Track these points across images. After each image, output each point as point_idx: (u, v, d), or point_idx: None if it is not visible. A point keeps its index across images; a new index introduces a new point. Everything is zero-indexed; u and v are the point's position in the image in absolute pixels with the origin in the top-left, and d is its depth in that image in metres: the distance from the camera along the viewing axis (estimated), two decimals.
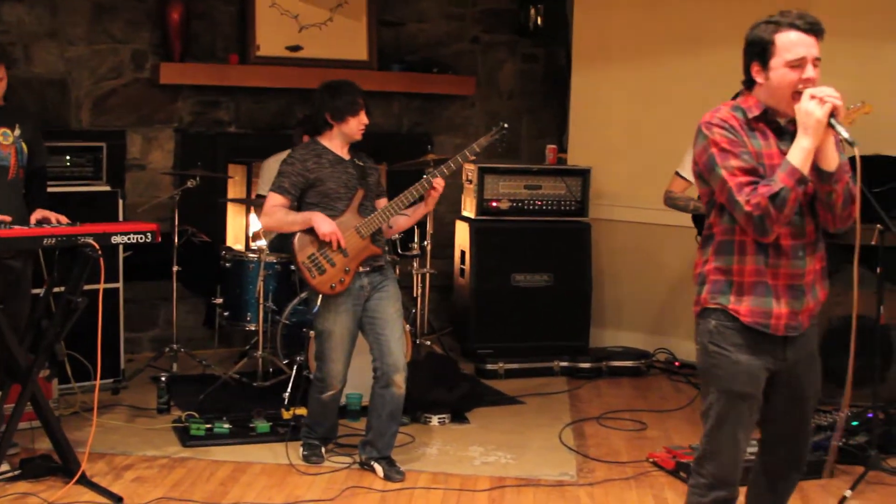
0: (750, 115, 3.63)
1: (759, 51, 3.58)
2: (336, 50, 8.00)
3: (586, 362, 7.58)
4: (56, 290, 5.11)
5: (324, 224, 5.17)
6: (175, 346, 7.06)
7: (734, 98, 3.75)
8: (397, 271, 6.71)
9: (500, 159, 8.13)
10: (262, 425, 5.88)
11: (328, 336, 5.32)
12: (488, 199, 7.75)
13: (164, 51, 7.53)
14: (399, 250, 6.90)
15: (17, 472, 5.06)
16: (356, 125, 5.30)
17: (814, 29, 3.53)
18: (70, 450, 5.05)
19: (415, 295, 7.27)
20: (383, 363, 5.33)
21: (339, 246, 5.20)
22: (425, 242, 7.21)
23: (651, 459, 5.70)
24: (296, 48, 7.88)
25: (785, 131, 3.64)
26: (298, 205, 5.29)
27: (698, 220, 6.33)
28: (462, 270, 7.96)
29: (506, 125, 5.58)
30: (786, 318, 3.66)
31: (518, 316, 7.74)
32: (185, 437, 5.77)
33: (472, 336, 7.77)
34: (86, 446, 5.05)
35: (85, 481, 5.00)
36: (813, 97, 3.44)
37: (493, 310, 7.74)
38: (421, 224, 7.13)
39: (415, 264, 7.21)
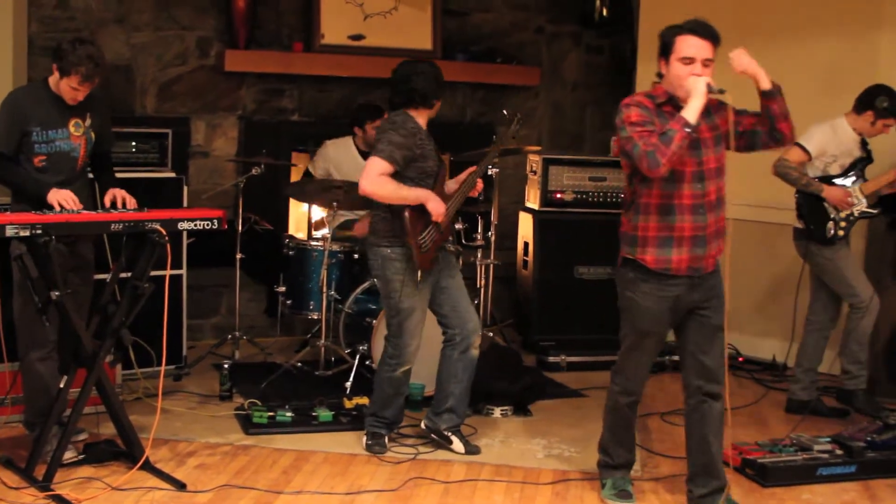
0: (658, 101, 4.57)
1: (662, 48, 4.61)
2: (400, 39, 7.97)
3: None
4: (122, 275, 5.11)
5: (440, 206, 5.24)
6: (237, 334, 7.07)
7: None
8: (461, 262, 6.67)
9: (565, 151, 8.06)
10: (325, 414, 5.86)
11: (410, 312, 5.35)
12: (552, 191, 7.70)
13: (229, 38, 7.54)
14: (463, 241, 6.85)
15: (81, 457, 5.08)
16: (436, 110, 5.44)
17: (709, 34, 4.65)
18: (134, 435, 5.06)
19: (478, 286, 7.23)
20: (464, 328, 5.44)
21: (437, 225, 5.29)
22: (489, 233, 7.17)
23: None
24: (358, 37, 7.85)
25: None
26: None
27: (806, 197, 6.15)
28: (525, 262, 7.91)
29: (519, 115, 5.98)
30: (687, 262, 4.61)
31: (581, 308, 7.68)
32: (248, 425, 5.76)
33: (534, 328, 7.73)
34: (149, 432, 5.06)
35: (148, 467, 5.00)
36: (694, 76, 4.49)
37: (556, 302, 7.69)
38: (485, 215, 7.12)
39: (478, 255, 7.17)
